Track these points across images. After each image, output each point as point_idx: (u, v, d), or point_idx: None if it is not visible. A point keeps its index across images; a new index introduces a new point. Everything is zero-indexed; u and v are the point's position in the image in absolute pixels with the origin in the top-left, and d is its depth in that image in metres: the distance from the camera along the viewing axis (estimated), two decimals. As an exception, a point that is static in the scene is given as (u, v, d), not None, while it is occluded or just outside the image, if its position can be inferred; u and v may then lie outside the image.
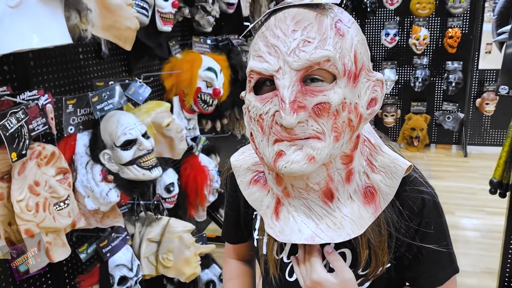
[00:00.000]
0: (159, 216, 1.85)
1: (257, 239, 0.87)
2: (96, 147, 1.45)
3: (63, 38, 1.10)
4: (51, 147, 1.26)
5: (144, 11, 1.69)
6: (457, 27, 4.82)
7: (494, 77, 4.93)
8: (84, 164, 1.47)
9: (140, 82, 1.74)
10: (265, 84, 0.67)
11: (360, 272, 0.76)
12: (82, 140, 1.48)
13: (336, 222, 0.71)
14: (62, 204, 1.25)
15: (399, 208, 0.75)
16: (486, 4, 4.77)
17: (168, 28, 1.95)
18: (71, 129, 1.46)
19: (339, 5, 0.69)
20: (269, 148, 0.66)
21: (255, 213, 0.89)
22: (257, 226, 0.88)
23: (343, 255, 0.77)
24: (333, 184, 0.70)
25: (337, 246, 0.77)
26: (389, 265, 0.77)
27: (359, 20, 5.21)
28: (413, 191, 0.76)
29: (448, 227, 0.80)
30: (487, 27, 4.71)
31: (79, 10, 1.13)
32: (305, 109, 0.62)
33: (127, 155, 1.44)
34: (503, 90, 2.03)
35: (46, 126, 1.26)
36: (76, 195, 1.47)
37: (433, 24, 5.02)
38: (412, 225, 0.76)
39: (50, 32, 1.07)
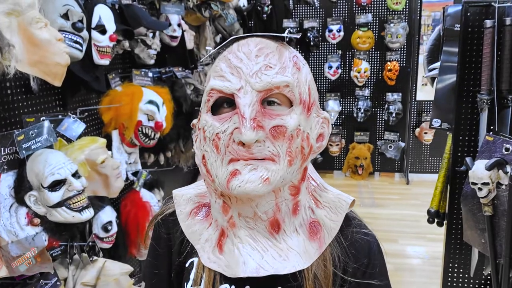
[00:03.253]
0: (94, 258, 1.75)
1: None
2: (21, 188, 1.36)
3: (-19, 75, 1.03)
4: (-33, 191, 1.16)
5: (77, 46, 1.63)
6: (395, 60, 5.06)
7: (430, 107, 5.19)
8: (8, 207, 1.37)
9: (73, 118, 1.67)
10: (222, 106, 0.68)
11: None
12: (6, 181, 1.38)
13: (281, 254, 0.70)
14: (-22, 253, 1.15)
15: (345, 247, 0.75)
16: (424, 38, 5.06)
17: (105, 61, 1.90)
18: (-7, 170, 1.37)
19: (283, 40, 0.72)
20: (223, 168, 0.66)
21: (189, 261, 0.81)
22: (192, 276, 0.79)
23: None
24: (280, 215, 0.70)
25: (283, 283, 0.73)
26: None
27: (303, 53, 5.36)
28: (359, 232, 0.77)
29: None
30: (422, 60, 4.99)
31: (0, 46, 1.06)
32: (263, 129, 0.64)
33: (55, 196, 1.36)
34: (436, 123, 2.13)
35: (-38, 168, 1.17)
36: (-2, 240, 1.36)
37: (373, 57, 5.25)
38: (358, 265, 0.76)
39: (-35, 69, 1.00)
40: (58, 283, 1.60)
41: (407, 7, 5.06)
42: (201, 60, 3.30)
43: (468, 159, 1.75)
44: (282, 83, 0.65)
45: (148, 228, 0.88)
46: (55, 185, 1.37)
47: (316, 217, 0.74)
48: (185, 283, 0.80)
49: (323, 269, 0.73)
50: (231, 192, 0.65)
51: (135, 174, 2.39)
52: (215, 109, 0.69)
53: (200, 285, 0.76)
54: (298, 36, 0.69)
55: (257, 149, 0.64)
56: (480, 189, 1.66)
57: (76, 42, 1.62)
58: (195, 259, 0.79)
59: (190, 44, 3.09)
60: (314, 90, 0.72)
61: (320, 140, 0.73)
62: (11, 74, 1.16)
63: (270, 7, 4.89)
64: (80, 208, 1.41)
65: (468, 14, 1.87)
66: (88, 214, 1.43)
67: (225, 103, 0.68)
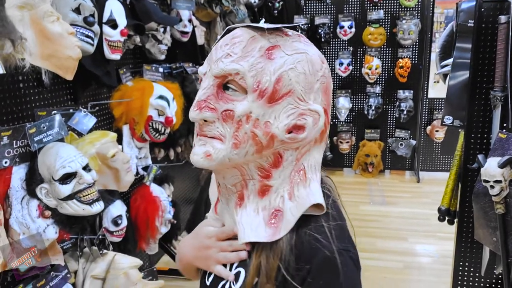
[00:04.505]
0: (104, 251, 1.76)
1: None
2: (33, 181, 1.37)
3: (-6, 68, 1.04)
4: (-21, 182, 1.17)
5: (89, 40, 1.64)
6: (407, 57, 5.01)
7: (442, 105, 5.14)
8: (20, 199, 1.38)
9: (84, 112, 1.68)
10: None
11: None
12: (18, 173, 1.40)
13: (235, 225, 0.77)
14: (-10, 244, 1.16)
15: (293, 245, 0.72)
16: (437, 35, 5.01)
17: (116, 56, 1.91)
18: (6, 162, 1.38)
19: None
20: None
21: None
22: None
23: (238, 275, 0.77)
24: (246, 192, 0.75)
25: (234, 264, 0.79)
26: None
27: (314, 50, 5.33)
28: (311, 236, 0.72)
29: None
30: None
31: (12, 39, 1.07)
32: (215, 111, 0.70)
33: (66, 189, 1.36)
34: (448, 120, 2.10)
35: (-25, 160, 1.18)
36: (10, 232, 1.37)
37: (384, 54, 5.20)
38: (298, 267, 0.71)
39: (-21, 61, 1.01)
40: (68, 275, 1.62)
41: (419, 3, 5.01)
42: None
43: (480, 157, 1.72)
44: (233, 71, 0.69)
45: None
46: (66, 178, 1.38)
47: (283, 207, 0.74)
48: None
49: (267, 260, 0.72)
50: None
51: (145, 168, 2.41)
52: None
53: None
54: (275, 26, 0.71)
55: (207, 128, 0.72)
56: (492, 187, 1.64)
57: (87, 36, 1.63)
58: None
59: (200, 39, 3.09)
60: (295, 81, 0.70)
61: (297, 132, 0.72)
62: (27, 68, 1.16)
63: (281, 3, 4.86)
64: (91, 201, 1.42)
65: (482, 9, 1.85)
66: (98, 207, 1.44)
67: None
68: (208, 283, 0.84)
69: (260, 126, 0.70)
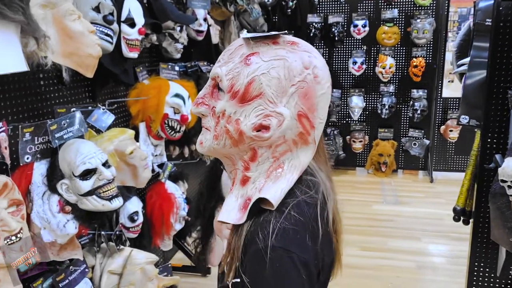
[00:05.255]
0: (121, 246, 1.79)
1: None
2: (53, 176, 1.40)
3: (18, 65, 1.06)
4: (3, 177, 1.20)
5: (108, 38, 1.66)
6: (421, 56, 4.98)
7: (457, 105, 5.09)
8: (41, 195, 1.41)
9: (103, 109, 1.70)
10: None
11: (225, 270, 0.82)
12: (40, 169, 1.42)
13: (224, 206, 0.85)
14: (13, 237, 1.19)
15: (247, 232, 0.78)
16: (450, 34, 4.97)
17: (134, 54, 1.93)
18: (27, 158, 1.41)
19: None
20: None
21: None
22: None
23: None
24: (236, 180, 0.85)
25: None
26: (238, 280, 0.78)
27: (327, 49, 5.32)
28: (255, 228, 0.77)
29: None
30: (450, 56, 4.89)
31: (36, 37, 1.09)
32: (209, 107, 0.82)
33: (86, 185, 1.39)
34: (464, 119, 2.09)
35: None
36: (31, 226, 1.40)
37: (398, 53, 5.17)
38: (244, 255, 0.77)
39: (4, 59, 1.03)
40: (86, 270, 1.65)
41: (434, 2, 4.97)
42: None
43: (497, 156, 1.71)
44: (214, 74, 0.80)
45: None
46: (86, 174, 1.41)
47: (252, 197, 0.80)
48: None
49: (234, 239, 0.80)
50: None
51: (160, 166, 2.43)
52: None
53: None
54: (259, 35, 0.79)
55: (204, 121, 0.83)
56: (510, 186, 1.62)
57: (107, 34, 1.66)
58: None
59: (215, 38, 3.10)
60: (266, 85, 0.76)
61: (262, 131, 0.78)
62: (49, 65, 1.19)
63: (294, 1, 4.86)
64: (110, 197, 1.44)
65: (500, 8, 1.83)
66: (117, 203, 1.46)
67: None
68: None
69: (232, 122, 0.79)
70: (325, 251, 0.81)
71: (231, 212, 0.82)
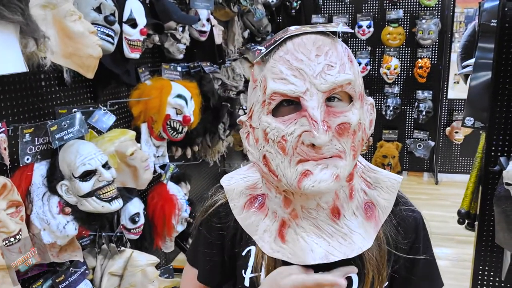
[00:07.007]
0: (122, 248, 1.78)
1: (252, 277, 0.81)
2: (53, 178, 1.39)
3: (17, 66, 1.06)
4: (2, 178, 1.20)
5: (109, 39, 1.66)
6: (426, 57, 4.95)
7: (462, 106, 5.05)
8: (41, 196, 1.40)
9: (104, 110, 1.69)
10: (282, 105, 0.68)
11: None
12: (40, 170, 1.42)
13: (346, 238, 0.72)
14: (12, 239, 1.18)
15: (395, 224, 0.78)
16: (456, 35, 4.93)
17: (135, 55, 1.92)
18: (27, 159, 1.40)
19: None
20: (292, 169, 0.67)
21: (246, 249, 0.83)
22: (251, 264, 0.81)
23: (349, 280, 0.75)
24: (339, 202, 0.72)
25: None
26: (387, 283, 0.78)
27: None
28: (407, 210, 0.80)
29: None
30: (456, 57, 4.86)
31: (36, 38, 1.09)
32: (331, 129, 0.65)
33: (86, 186, 1.38)
34: (469, 121, 2.07)
35: (-2, 157, 1.20)
36: (31, 228, 1.40)
37: (403, 54, 5.14)
38: (408, 241, 0.79)
39: (3, 60, 1.03)
40: (86, 271, 1.64)
41: (439, 3, 4.94)
42: (254, 61, 3.31)
43: (502, 159, 1.69)
44: (345, 82, 0.66)
45: (198, 217, 0.90)
46: (86, 175, 1.40)
47: (369, 198, 0.76)
48: (243, 270, 0.82)
49: (378, 249, 0.75)
50: (303, 192, 0.67)
51: (162, 167, 2.42)
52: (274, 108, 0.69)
53: (260, 272, 0.78)
54: (352, 31, 0.70)
55: (326, 149, 0.65)
56: (514, 190, 1.60)
57: (108, 35, 1.65)
58: (252, 248, 0.81)
59: (218, 39, 3.09)
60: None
61: (371, 127, 0.76)
62: (47, 66, 1.18)
63: (299, 2, 4.85)
64: (110, 198, 1.43)
65: (506, 9, 1.81)
66: (117, 204, 1.45)
67: (284, 102, 0.68)
68: None
69: (363, 130, 0.71)
70: None
71: (366, 230, 0.74)
